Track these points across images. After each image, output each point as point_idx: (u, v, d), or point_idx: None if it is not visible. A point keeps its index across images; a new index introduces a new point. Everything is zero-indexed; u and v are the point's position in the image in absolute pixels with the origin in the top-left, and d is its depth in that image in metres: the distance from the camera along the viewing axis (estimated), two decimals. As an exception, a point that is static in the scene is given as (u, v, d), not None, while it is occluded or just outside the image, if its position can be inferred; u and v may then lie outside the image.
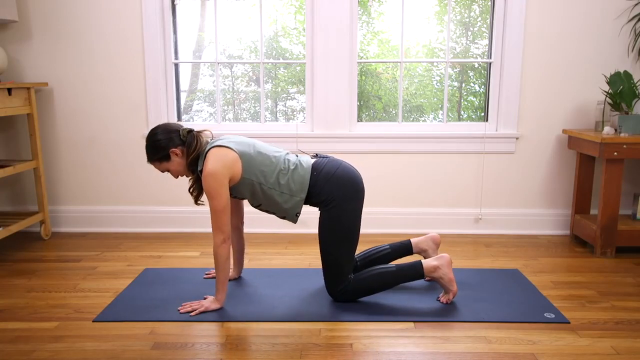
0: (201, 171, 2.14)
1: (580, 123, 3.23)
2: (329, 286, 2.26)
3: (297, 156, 2.25)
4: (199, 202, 2.27)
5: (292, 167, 2.18)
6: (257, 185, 2.15)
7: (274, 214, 2.25)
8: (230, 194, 2.21)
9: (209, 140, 2.21)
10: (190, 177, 2.25)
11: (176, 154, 2.15)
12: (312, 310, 2.21)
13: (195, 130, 2.19)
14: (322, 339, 1.98)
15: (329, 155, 2.30)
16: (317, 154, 2.30)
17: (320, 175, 2.18)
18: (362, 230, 3.35)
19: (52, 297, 2.36)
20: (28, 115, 3.08)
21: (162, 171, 2.21)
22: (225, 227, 2.10)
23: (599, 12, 3.09)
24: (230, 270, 2.57)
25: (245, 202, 3.29)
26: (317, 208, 2.23)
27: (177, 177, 2.23)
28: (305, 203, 2.23)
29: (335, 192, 2.16)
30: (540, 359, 1.84)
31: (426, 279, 2.52)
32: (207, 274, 2.59)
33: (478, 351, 1.89)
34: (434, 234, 2.51)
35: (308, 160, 2.23)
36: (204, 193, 2.15)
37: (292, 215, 2.22)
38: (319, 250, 2.99)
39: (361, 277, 2.24)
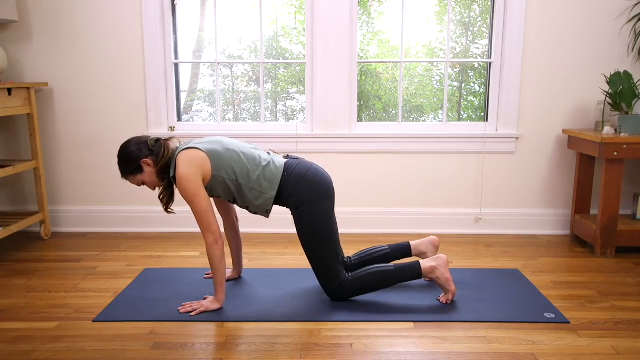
0: (174, 177, 2.13)
1: (580, 123, 3.23)
2: (324, 286, 2.26)
3: (269, 153, 2.26)
4: (169, 209, 2.24)
5: (263, 164, 2.18)
6: (229, 182, 2.15)
7: (246, 209, 2.25)
8: (211, 195, 2.21)
9: (178, 146, 2.21)
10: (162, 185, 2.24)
11: (148, 164, 2.15)
12: (312, 310, 2.21)
13: (163, 139, 2.20)
14: (322, 339, 1.98)
15: (300, 157, 2.32)
16: (288, 155, 2.31)
17: (291, 176, 2.18)
18: (362, 231, 3.35)
19: (52, 297, 2.36)
20: (28, 115, 3.08)
21: (138, 185, 2.20)
22: (213, 227, 2.10)
23: (599, 12, 3.09)
24: (230, 270, 2.57)
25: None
26: (289, 210, 2.22)
27: (154, 188, 2.22)
28: (275, 203, 2.23)
29: (305, 195, 2.16)
30: (540, 359, 1.84)
31: (425, 279, 2.54)
32: (207, 274, 2.59)
33: (478, 351, 1.89)
34: (433, 237, 2.50)
35: (280, 160, 2.23)
36: (183, 198, 2.13)
37: (263, 212, 2.22)
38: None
39: (359, 276, 2.24)
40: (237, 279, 2.56)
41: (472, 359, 1.84)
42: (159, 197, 2.24)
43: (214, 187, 2.17)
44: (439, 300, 2.29)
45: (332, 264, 2.22)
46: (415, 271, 2.23)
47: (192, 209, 2.10)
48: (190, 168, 2.07)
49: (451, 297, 2.26)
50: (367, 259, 2.43)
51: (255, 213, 2.26)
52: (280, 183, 2.18)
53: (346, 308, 2.23)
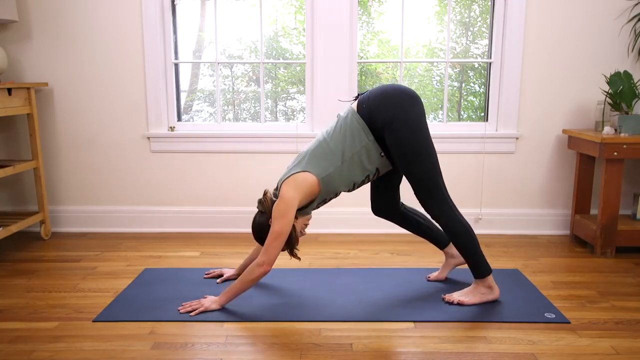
0: None
1: (580, 123, 3.23)
2: (427, 202, 2.17)
3: (339, 114, 2.22)
4: (294, 252, 2.21)
5: (340, 124, 2.15)
6: (339, 170, 2.13)
7: (367, 180, 2.21)
8: (330, 198, 2.21)
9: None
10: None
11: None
12: (312, 310, 2.21)
13: None
14: (322, 339, 1.98)
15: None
16: (357, 95, 2.27)
17: (370, 102, 2.13)
18: (362, 230, 3.35)
19: (52, 297, 2.36)
20: (28, 115, 3.08)
21: (288, 235, 2.12)
22: (271, 252, 2.08)
23: (599, 12, 3.09)
24: (232, 270, 2.57)
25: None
26: (385, 138, 2.13)
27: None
28: (379, 140, 2.17)
29: (391, 109, 2.10)
30: (540, 359, 1.84)
31: (428, 278, 2.55)
32: (207, 274, 2.59)
33: (478, 351, 1.89)
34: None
35: (351, 106, 2.20)
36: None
37: (379, 160, 2.16)
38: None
39: (460, 220, 2.18)
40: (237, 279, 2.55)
41: (472, 359, 1.84)
42: None
43: (331, 188, 2.15)
44: (444, 297, 2.29)
45: (437, 177, 2.14)
46: (484, 271, 2.23)
47: (271, 227, 2.10)
48: (292, 192, 2.08)
49: (461, 302, 2.25)
50: (411, 213, 2.52)
51: (378, 173, 2.21)
52: (365, 119, 2.13)
53: (346, 308, 2.23)
